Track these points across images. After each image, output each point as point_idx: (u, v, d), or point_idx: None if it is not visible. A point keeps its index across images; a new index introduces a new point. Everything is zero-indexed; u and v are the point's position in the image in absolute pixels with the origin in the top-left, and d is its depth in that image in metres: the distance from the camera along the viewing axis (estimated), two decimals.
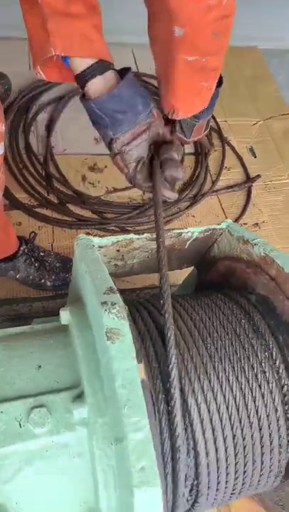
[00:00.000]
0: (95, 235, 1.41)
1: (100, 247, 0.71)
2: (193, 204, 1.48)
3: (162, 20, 0.64)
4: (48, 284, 1.23)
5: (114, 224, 1.40)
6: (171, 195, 0.72)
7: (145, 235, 0.72)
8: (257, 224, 1.49)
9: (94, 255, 0.62)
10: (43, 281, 1.22)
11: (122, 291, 0.56)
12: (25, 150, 1.48)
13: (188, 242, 0.77)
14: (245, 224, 1.48)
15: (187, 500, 0.51)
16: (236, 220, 1.47)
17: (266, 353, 0.55)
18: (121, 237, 0.71)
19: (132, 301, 0.69)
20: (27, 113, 1.56)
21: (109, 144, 0.69)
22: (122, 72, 0.68)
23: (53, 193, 1.42)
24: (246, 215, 1.50)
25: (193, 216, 1.48)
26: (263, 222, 1.50)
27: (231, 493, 0.53)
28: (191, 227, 0.74)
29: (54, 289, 1.24)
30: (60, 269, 1.23)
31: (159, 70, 0.73)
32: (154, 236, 0.74)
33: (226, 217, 1.49)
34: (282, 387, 0.54)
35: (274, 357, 0.55)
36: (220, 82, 0.76)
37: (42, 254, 1.21)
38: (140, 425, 0.41)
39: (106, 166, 1.50)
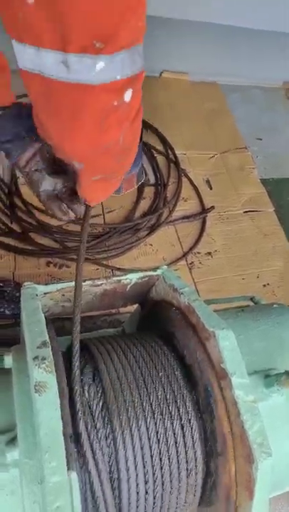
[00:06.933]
0: (56, 263, 1.49)
1: (46, 293, 0.78)
2: (150, 233, 1.57)
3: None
4: (7, 312, 1.28)
5: (74, 253, 1.46)
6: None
7: (87, 282, 0.79)
8: (210, 253, 1.60)
9: (35, 305, 0.69)
10: (2, 310, 1.27)
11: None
12: None
13: (129, 286, 0.85)
14: (198, 253, 1.58)
15: None
16: (190, 249, 1.57)
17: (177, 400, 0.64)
18: (65, 284, 0.78)
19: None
20: None
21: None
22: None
23: (17, 222, 1.48)
24: (200, 245, 1.60)
25: (151, 245, 1.57)
26: (216, 251, 1.61)
27: None
28: (130, 274, 0.82)
29: (14, 317, 1.29)
30: (19, 299, 1.28)
31: None
32: (96, 282, 0.82)
33: (182, 247, 1.59)
34: (192, 428, 0.63)
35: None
36: None
37: (1, 285, 1.26)
38: (57, 470, 0.48)
39: None
